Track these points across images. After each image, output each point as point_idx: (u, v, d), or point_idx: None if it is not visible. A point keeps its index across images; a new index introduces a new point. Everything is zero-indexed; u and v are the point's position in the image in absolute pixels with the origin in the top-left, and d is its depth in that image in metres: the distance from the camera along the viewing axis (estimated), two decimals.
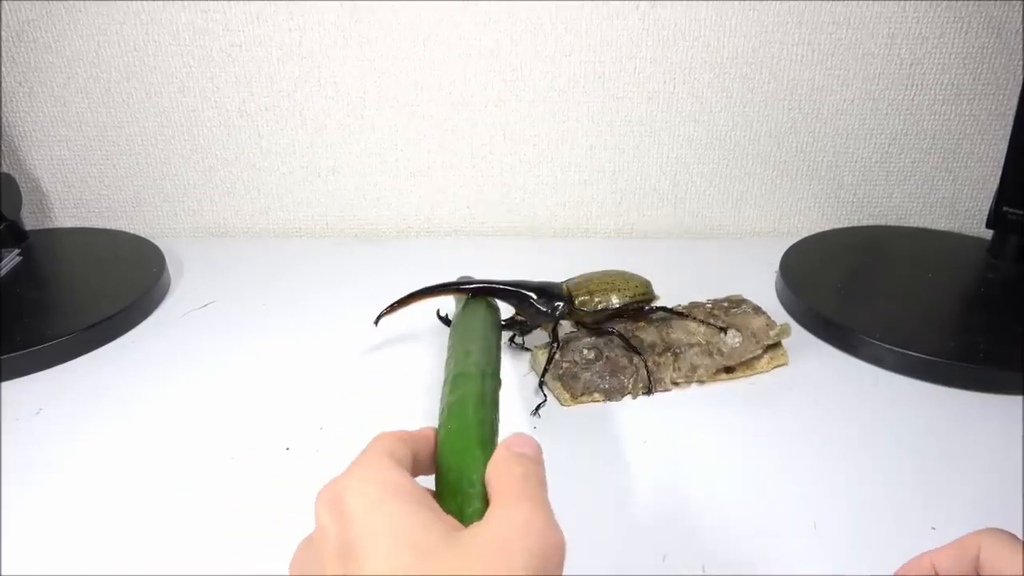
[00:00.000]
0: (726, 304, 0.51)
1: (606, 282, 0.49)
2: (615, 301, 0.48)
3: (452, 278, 0.49)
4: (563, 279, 0.49)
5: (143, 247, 0.65)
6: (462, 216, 0.72)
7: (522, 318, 0.49)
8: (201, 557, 0.35)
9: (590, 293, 0.48)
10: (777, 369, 0.50)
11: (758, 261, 0.64)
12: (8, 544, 0.36)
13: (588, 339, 0.48)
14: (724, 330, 0.48)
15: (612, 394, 0.47)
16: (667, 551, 0.35)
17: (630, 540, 0.36)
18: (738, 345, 0.48)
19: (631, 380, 0.47)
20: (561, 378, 0.47)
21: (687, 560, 0.35)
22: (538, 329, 0.50)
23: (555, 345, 0.47)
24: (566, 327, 0.50)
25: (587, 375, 0.47)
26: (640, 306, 0.49)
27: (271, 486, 0.40)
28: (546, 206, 0.71)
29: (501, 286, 0.47)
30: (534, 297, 0.47)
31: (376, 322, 0.48)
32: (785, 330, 0.49)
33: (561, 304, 0.47)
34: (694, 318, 0.49)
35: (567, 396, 0.46)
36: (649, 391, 0.47)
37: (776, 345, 0.50)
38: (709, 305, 0.51)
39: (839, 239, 0.66)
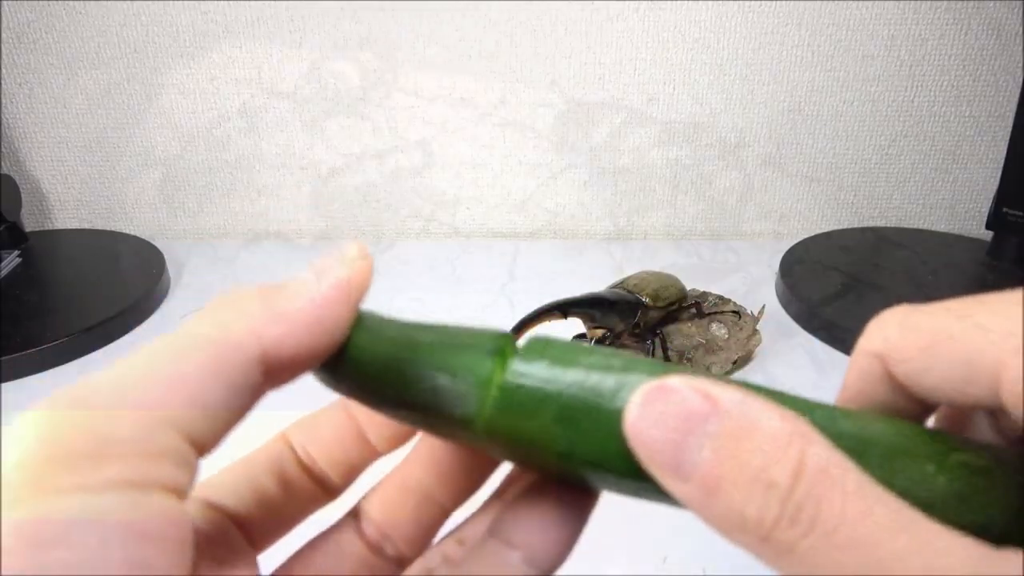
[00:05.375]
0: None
1: (651, 280, 0.48)
2: (674, 293, 0.48)
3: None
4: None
5: (143, 248, 0.65)
6: (462, 218, 0.72)
7: (600, 333, 0.46)
8: None
9: (653, 290, 0.47)
10: (776, 370, 0.49)
11: (758, 262, 0.64)
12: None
13: None
14: (710, 319, 0.49)
15: None
16: (667, 553, 0.35)
17: (631, 541, 0.36)
18: (727, 335, 0.48)
19: None
20: None
21: (687, 562, 0.35)
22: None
23: (651, 344, 0.46)
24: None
25: None
26: (680, 303, 0.50)
27: None
28: (546, 208, 0.71)
29: (579, 299, 0.45)
30: (615, 301, 0.46)
31: None
32: (762, 309, 0.50)
33: (642, 298, 0.46)
34: (706, 313, 0.49)
35: None
36: None
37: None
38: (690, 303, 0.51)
39: (839, 241, 0.66)
